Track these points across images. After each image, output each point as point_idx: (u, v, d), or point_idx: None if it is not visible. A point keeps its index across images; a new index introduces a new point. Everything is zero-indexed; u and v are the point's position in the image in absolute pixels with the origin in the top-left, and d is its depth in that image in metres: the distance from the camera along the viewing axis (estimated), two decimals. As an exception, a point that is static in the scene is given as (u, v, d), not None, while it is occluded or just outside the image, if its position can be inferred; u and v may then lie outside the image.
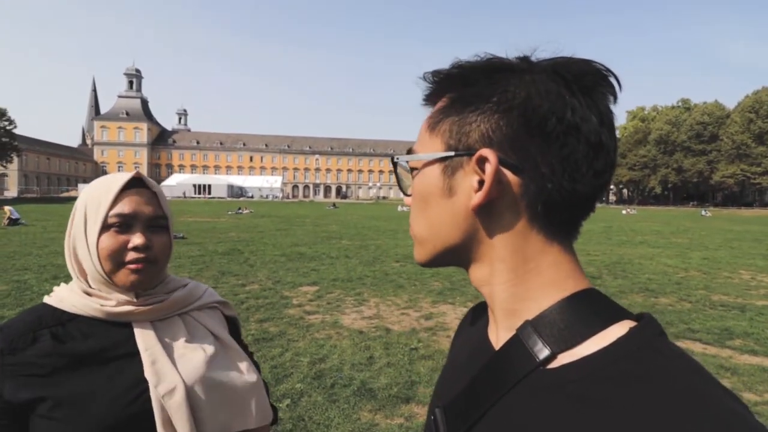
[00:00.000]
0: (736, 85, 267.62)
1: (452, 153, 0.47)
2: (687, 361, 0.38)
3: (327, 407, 3.39)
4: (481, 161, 0.44)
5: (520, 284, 0.47)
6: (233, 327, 1.07)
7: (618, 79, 0.45)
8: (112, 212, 0.84)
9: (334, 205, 51.05)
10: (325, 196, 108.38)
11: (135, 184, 0.88)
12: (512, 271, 0.47)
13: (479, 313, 0.62)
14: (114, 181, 0.87)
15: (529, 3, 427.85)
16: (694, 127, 75.70)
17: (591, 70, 0.45)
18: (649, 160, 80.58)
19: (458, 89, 0.49)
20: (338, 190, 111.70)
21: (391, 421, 3.25)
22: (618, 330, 0.41)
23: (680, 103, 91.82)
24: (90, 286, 0.86)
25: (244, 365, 0.96)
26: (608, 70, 0.45)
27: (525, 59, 0.47)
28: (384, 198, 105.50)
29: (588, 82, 0.44)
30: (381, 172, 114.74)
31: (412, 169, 0.53)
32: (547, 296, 0.46)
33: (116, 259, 0.84)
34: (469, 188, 0.46)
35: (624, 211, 49.60)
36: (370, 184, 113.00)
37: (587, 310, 0.44)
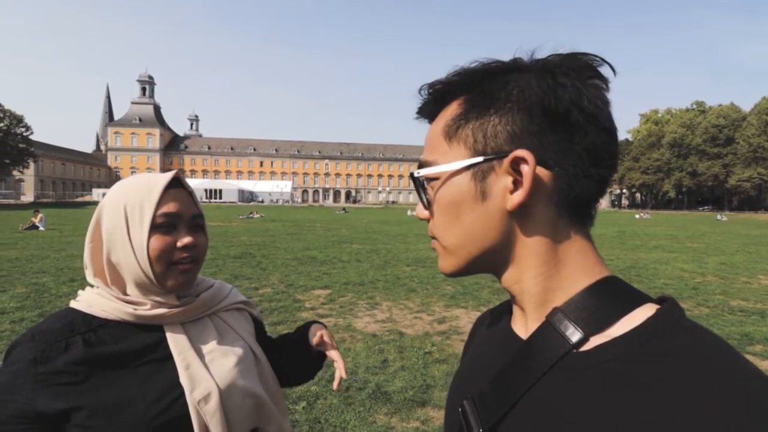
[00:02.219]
0: (752, 87, 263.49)
1: (481, 158, 0.47)
2: (713, 337, 0.40)
3: (343, 410, 3.39)
4: (515, 162, 0.45)
5: (552, 275, 0.48)
6: (260, 328, 1.07)
7: (613, 68, 0.47)
8: (160, 212, 0.82)
9: (344, 209, 51.21)
10: (335, 200, 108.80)
11: (173, 183, 0.86)
12: (545, 263, 0.48)
13: (496, 315, 0.63)
14: (156, 180, 0.85)
15: (541, 6, 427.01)
16: (709, 129, 74.66)
17: (589, 61, 0.46)
18: (663, 163, 79.57)
19: (470, 94, 0.49)
20: (348, 194, 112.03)
21: (407, 424, 3.23)
22: (645, 312, 0.43)
23: (695, 106, 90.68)
24: (124, 293, 0.84)
25: (268, 371, 0.97)
26: (603, 60, 0.47)
27: (522, 60, 0.48)
28: (393, 202, 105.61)
29: (590, 72, 0.46)
30: (390, 176, 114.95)
31: (429, 181, 0.52)
32: (576, 284, 0.47)
33: (167, 260, 0.82)
34: (503, 190, 0.46)
35: (637, 216, 48.90)
36: (380, 189, 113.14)
37: (613, 294, 0.46)
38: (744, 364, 0.37)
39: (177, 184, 0.87)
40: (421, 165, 0.52)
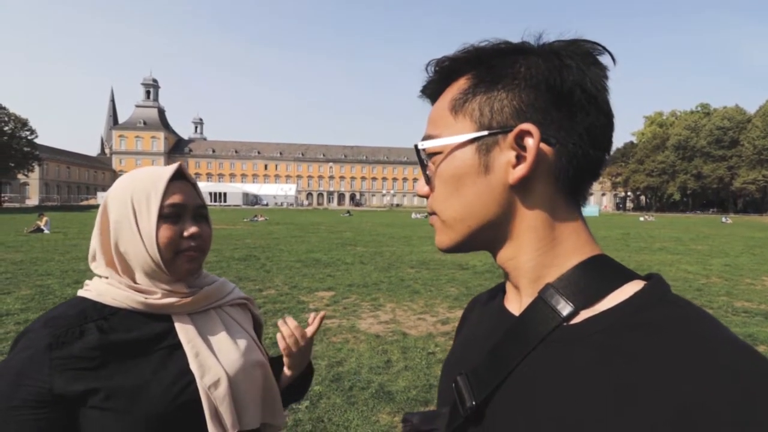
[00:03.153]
0: (757, 89, 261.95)
1: (486, 132, 0.48)
2: (697, 309, 0.42)
3: (346, 409, 3.41)
4: (520, 136, 0.46)
5: (547, 251, 0.49)
6: (257, 326, 1.08)
7: (613, 56, 0.49)
8: (167, 202, 0.84)
9: (348, 212, 51.19)
10: (339, 203, 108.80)
11: (177, 176, 0.89)
12: (541, 239, 0.49)
13: (489, 296, 0.64)
14: (161, 172, 0.88)
15: (544, 7, 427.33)
16: (713, 132, 74.30)
17: (590, 48, 0.48)
18: (668, 166, 79.23)
19: (478, 70, 0.50)
20: (352, 197, 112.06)
21: (410, 423, 3.24)
22: (633, 287, 0.45)
23: (699, 108, 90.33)
24: (135, 282, 0.86)
25: (267, 364, 0.99)
26: (604, 48, 0.48)
27: (529, 43, 0.50)
28: (398, 205, 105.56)
29: (591, 59, 0.48)
30: (395, 179, 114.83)
31: (432, 155, 0.52)
32: (569, 261, 0.49)
33: (174, 249, 0.85)
34: (506, 164, 0.47)
35: (642, 218, 48.70)
36: (384, 192, 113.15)
37: (603, 271, 0.48)
38: (725, 333, 0.39)
39: (181, 176, 0.90)
40: (425, 139, 0.53)
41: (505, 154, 0.47)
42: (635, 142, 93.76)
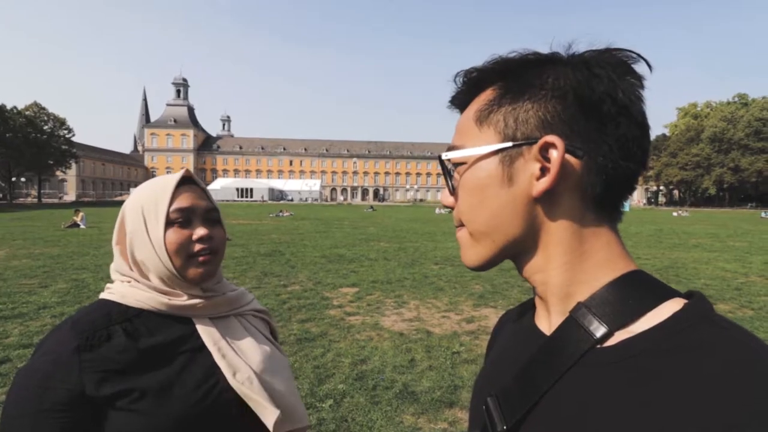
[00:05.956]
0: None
1: (510, 143, 0.47)
2: (742, 331, 0.39)
3: (369, 409, 3.38)
4: (545, 148, 0.45)
5: (575, 266, 0.47)
6: (273, 337, 1.10)
7: (649, 64, 0.47)
8: (173, 208, 0.86)
9: (371, 207, 51.29)
10: (363, 198, 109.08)
11: (185, 181, 0.91)
12: (569, 253, 0.47)
13: (519, 312, 0.63)
14: (168, 180, 0.90)
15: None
16: (752, 123, 70.99)
17: (624, 57, 0.46)
18: (703, 159, 76.17)
19: (505, 81, 0.49)
20: (375, 192, 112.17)
21: (434, 425, 3.19)
22: (672, 306, 0.43)
23: (737, 99, 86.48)
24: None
25: (290, 370, 1.00)
26: (639, 56, 0.46)
27: (559, 53, 0.48)
28: (421, 200, 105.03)
29: (624, 68, 0.46)
30: (418, 174, 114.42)
31: (456, 166, 0.52)
32: (600, 277, 0.47)
33: (185, 253, 0.86)
34: (530, 176, 0.46)
35: (675, 213, 47.10)
36: (408, 187, 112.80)
37: (639, 288, 0.45)
38: None
39: (190, 182, 0.92)
40: (450, 150, 0.52)
41: (529, 166, 0.46)
42: (668, 134, 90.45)
